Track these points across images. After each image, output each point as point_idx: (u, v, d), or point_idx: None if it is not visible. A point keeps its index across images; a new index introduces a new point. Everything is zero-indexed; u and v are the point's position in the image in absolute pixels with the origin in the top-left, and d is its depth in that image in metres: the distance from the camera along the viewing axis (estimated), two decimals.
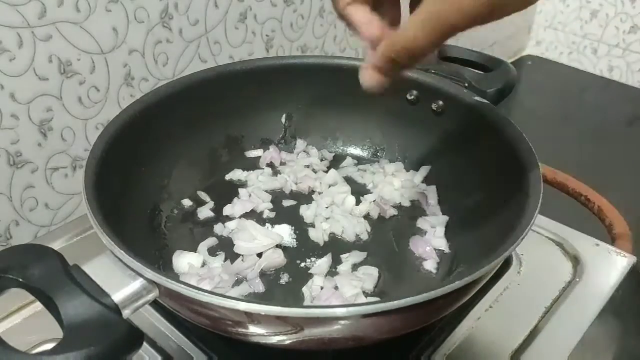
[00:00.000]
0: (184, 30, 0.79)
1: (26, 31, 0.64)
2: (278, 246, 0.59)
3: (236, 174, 0.69)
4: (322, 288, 0.55)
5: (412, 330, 0.47)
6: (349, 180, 0.69)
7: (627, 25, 1.50)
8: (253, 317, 0.40)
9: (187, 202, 0.64)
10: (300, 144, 0.72)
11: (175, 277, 0.55)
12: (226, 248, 0.59)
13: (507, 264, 0.63)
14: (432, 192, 0.66)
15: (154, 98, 0.60)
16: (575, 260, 0.64)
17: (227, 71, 0.67)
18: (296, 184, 0.68)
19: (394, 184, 0.67)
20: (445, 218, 0.63)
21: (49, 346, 0.42)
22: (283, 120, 0.72)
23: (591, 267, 0.63)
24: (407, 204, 0.66)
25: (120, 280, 0.41)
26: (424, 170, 0.68)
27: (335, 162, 0.72)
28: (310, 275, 0.56)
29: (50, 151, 0.71)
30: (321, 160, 0.71)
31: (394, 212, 0.65)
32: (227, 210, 0.64)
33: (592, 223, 0.77)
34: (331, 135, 0.73)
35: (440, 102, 0.65)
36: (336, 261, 0.58)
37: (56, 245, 0.63)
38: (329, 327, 0.41)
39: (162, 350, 0.53)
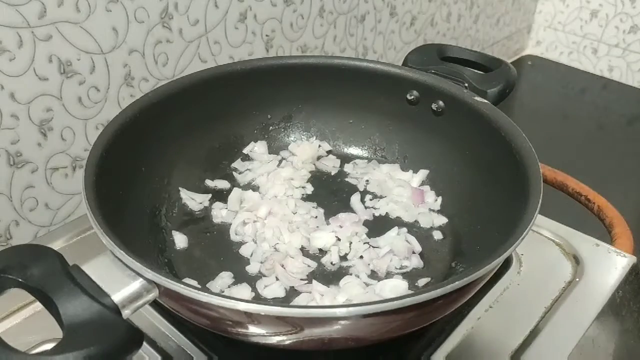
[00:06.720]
0: (184, 30, 0.79)
1: (26, 31, 0.64)
2: None
3: (235, 171, 0.69)
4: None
5: (412, 330, 0.47)
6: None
7: (627, 25, 1.50)
8: (253, 317, 0.40)
9: (187, 202, 0.64)
10: (300, 143, 0.72)
11: (175, 277, 0.55)
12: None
13: (507, 264, 0.63)
14: (432, 192, 0.66)
15: (154, 98, 0.60)
16: (575, 260, 0.64)
17: (227, 71, 0.66)
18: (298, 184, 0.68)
19: (393, 184, 0.67)
20: (445, 219, 0.63)
21: (49, 346, 0.42)
22: (283, 120, 0.72)
23: (591, 267, 0.63)
24: None
25: (120, 281, 0.41)
26: (423, 173, 0.67)
27: None
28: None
29: (50, 151, 0.71)
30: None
31: None
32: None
33: (592, 223, 0.77)
34: (331, 135, 0.73)
35: (440, 102, 0.65)
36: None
37: (56, 245, 0.63)
38: (329, 327, 0.42)
39: (162, 350, 0.53)
